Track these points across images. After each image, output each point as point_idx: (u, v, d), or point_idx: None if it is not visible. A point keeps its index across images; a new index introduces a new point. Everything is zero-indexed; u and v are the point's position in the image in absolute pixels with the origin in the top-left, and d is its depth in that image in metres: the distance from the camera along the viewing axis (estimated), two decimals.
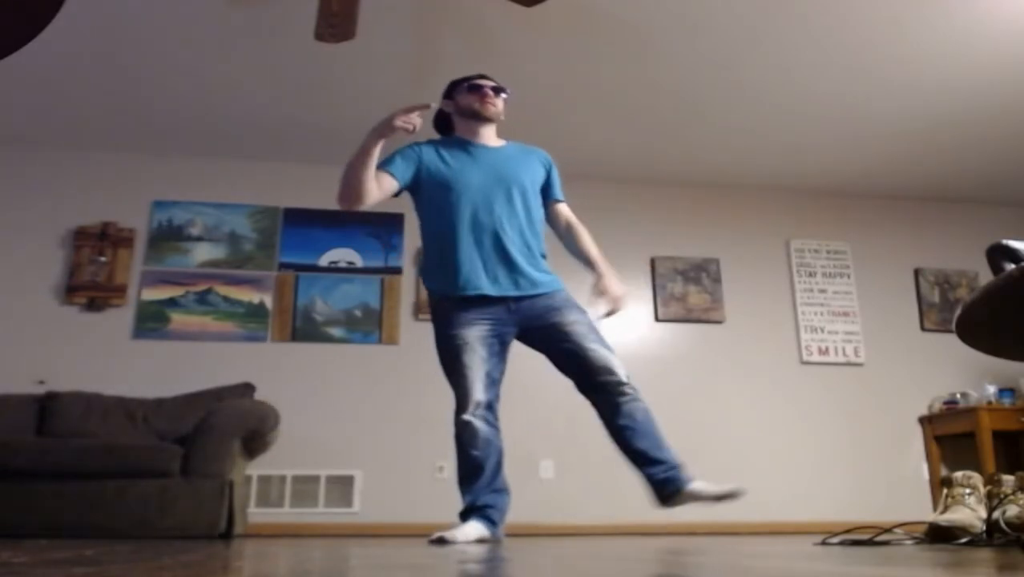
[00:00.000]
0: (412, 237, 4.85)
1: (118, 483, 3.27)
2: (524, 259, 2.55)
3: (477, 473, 2.43)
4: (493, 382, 2.49)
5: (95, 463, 3.28)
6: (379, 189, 2.53)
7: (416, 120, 2.42)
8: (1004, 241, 1.54)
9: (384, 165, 2.57)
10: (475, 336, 2.48)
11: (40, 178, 4.69)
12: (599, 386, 2.47)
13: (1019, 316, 1.49)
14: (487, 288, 2.49)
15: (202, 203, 4.78)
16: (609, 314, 2.55)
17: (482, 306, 2.50)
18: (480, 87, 2.68)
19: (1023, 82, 4.08)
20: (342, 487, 4.35)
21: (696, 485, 2.38)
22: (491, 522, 2.43)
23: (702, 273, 5.08)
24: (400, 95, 4.16)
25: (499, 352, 2.52)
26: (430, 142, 2.69)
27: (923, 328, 5.20)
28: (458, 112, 2.71)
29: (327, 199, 4.89)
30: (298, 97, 4.23)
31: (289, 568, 1.08)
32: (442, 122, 2.79)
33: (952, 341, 5.05)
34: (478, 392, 2.45)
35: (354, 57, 3.86)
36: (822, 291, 5.16)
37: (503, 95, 2.72)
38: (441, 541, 2.28)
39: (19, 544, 2.07)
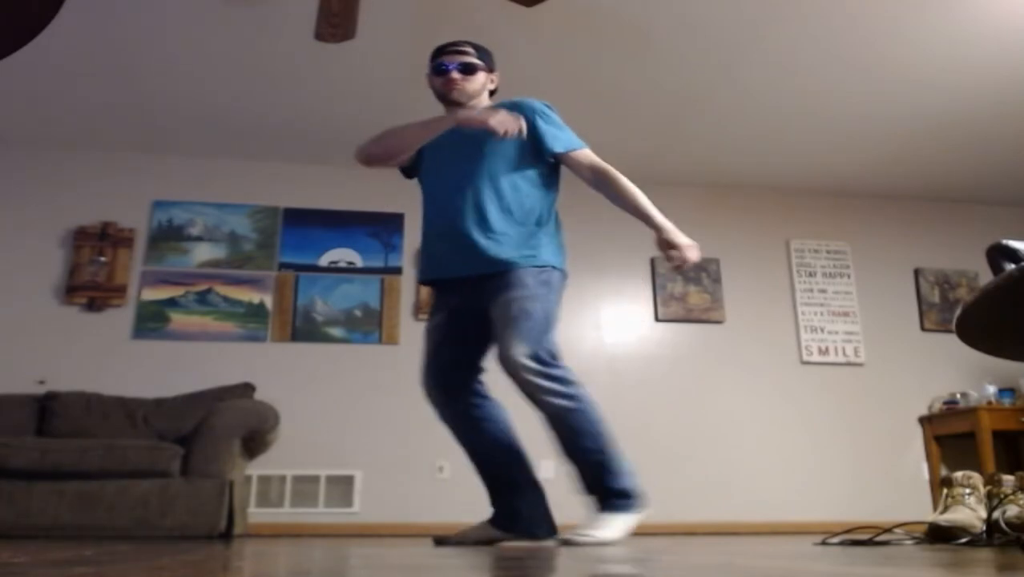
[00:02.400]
0: (412, 237, 4.85)
1: (118, 483, 3.27)
2: (478, 232, 2.27)
3: (486, 474, 2.31)
4: (457, 364, 2.32)
5: (95, 463, 3.28)
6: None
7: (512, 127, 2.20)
8: (1004, 241, 1.54)
9: None
10: (438, 320, 2.35)
11: (40, 178, 4.69)
12: (511, 378, 2.20)
13: (1019, 316, 1.49)
14: (437, 271, 2.36)
15: (202, 203, 4.77)
16: (679, 268, 2.31)
17: (445, 289, 2.37)
18: (444, 70, 2.36)
19: (1023, 82, 4.09)
20: (342, 487, 4.35)
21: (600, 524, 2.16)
22: (531, 534, 2.26)
23: (702, 273, 5.08)
24: (400, 95, 4.16)
25: (464, 334, 2.33)
26: None
27: (923, 328, 5.20)
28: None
29: (327, 199, 4.90)
30: (298, 97, 4.23)
31: (289, 568, 1.08)
32: None
33: (952, 341, 5.05)
34: (429, 376, 2.32)
35: (354, 57, 3.86)
36: (822, 291, 5.16)
37: (476, 72, 2.38)
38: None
39: (19, 544, 2.07)
